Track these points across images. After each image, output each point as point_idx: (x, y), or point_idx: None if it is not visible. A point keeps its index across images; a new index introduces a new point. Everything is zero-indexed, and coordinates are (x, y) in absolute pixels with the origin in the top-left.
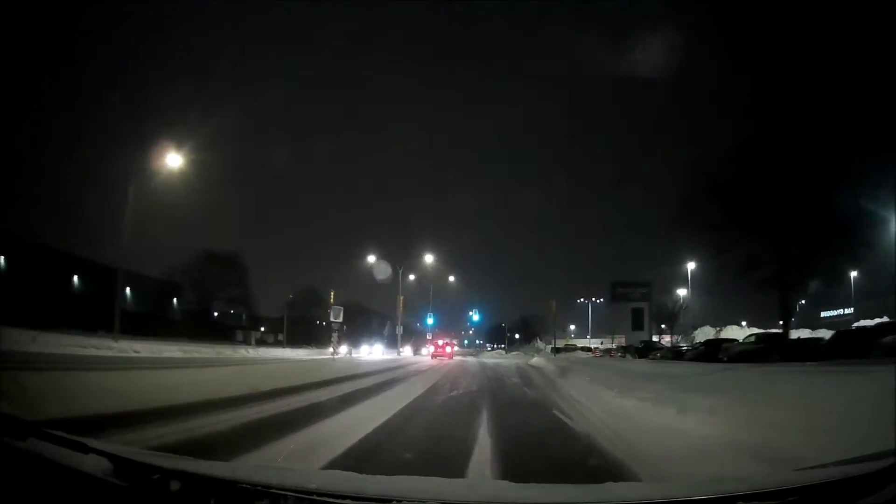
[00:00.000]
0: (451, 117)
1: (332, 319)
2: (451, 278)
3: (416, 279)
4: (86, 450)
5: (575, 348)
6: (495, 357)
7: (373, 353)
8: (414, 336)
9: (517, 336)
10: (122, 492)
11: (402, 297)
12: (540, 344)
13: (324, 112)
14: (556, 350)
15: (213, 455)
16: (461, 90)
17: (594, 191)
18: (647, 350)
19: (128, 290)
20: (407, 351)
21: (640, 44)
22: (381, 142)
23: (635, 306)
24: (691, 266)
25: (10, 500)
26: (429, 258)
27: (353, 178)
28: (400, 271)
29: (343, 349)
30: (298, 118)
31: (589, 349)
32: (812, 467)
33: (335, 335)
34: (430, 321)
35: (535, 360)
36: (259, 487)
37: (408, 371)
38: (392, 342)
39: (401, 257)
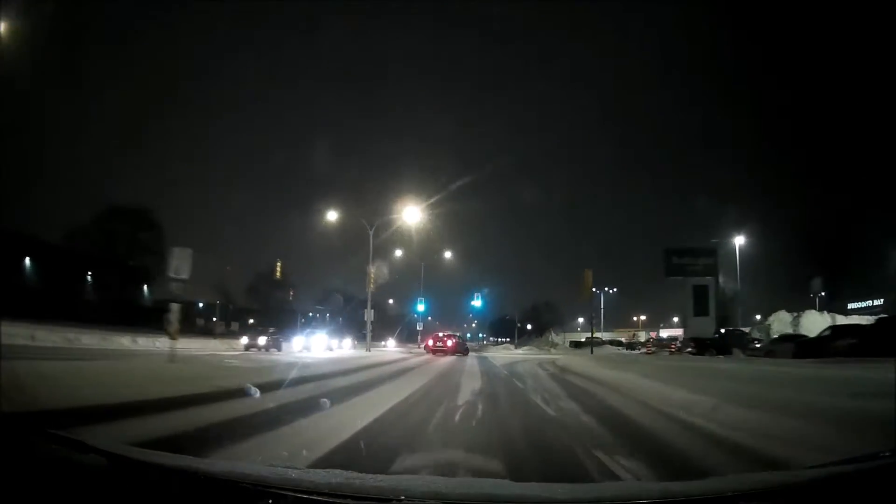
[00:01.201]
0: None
1: (171, 275)
2: (448, 254)
3: (403, 257)
4: (85, 449)
5: (601, 342)
6: (503, 353)
7: (310, 348)
8: (402, 327)
9: (529, 327)
10: (122, 491)
11: (372, 268)
12: (555, 337)
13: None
14: (577, 344)
15: None
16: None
17: (604, 178)
18: (728, 342)
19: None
20: (391, 344)
21: None
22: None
23: (697, 283)
24: (740, 241)
25: (9, 500)
26: (412, 215)
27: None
28: (371, 232)
29: (262, 340)
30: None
31: (620, 342)
32: (812, 467)
33: (175, 309)
34: (420, 308)
35: (567, 360)
36: (260, 487)
37: (299, 399)
38: (379, 333)
39: (375, 214)
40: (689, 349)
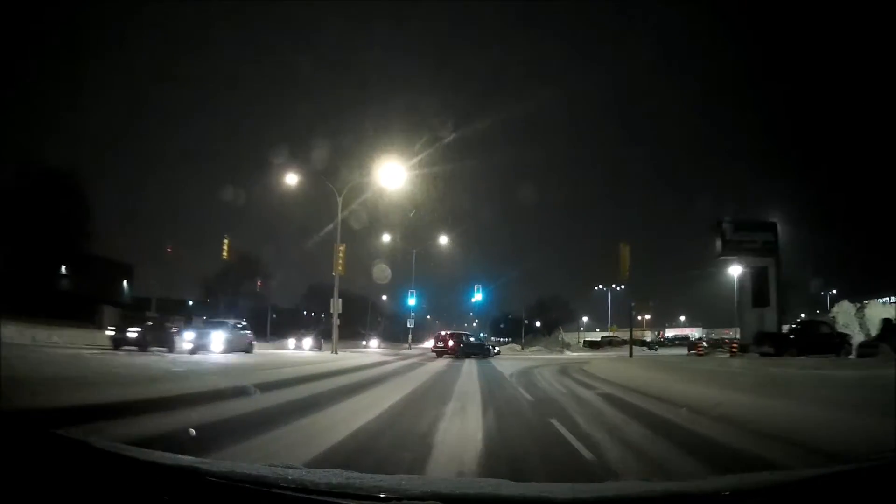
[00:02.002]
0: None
1: None
2: (444, 240)
3: (393, 245)
4: (86, 449)
5: (620, 342)
6: (510, 356)
7: (207, 346)
8: (386, 323)
9: (538, 324)
10: (122, 491)
11: (342, 246)
12: (566, 336)
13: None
14: (593, 344)
15: None
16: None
17: (606, 176)
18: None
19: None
20: (374, 344)
21: None
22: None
23: (756, 266)
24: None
25: (9, 501)
26: (392, 177)
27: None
28: (340, 199)
29: (132, 334)
30: None
31: (644, 341)
32: (812, 466)
33: None
34: (411, 301)
35: (606, 367)
36: (262, 488)
37: None
38: (369, 332)
39: (346, 177)
40: (763, 348)
